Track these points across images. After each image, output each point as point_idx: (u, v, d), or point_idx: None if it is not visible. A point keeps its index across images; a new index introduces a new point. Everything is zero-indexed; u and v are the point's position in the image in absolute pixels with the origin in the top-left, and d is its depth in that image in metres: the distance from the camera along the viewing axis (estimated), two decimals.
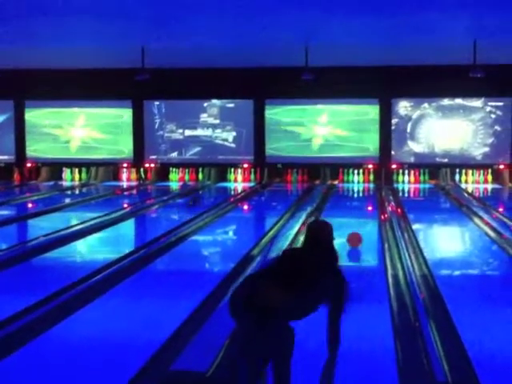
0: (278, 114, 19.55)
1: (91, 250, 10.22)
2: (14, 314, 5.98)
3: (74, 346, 5.19)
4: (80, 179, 20.44)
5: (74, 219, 12.77)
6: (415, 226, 11.56)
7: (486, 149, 18.90)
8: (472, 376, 4.56)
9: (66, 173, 20.65)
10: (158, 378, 4.41)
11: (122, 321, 5.91)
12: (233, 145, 19.82)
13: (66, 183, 20.05)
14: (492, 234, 10.59)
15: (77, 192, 18.28)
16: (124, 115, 20.04)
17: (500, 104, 18.72)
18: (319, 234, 4.65)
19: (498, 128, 18.75)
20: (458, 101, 18.90)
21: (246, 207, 15.52)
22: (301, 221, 11.67)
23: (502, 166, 18.86)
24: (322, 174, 19.65)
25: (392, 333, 5.53)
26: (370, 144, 19.24)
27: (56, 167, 20.59)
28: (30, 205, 15.78)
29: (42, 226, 12.10)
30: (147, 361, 4.75)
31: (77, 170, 20.58)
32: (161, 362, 4.75)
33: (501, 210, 13.97)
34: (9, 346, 5.14)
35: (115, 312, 6.25)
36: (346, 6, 11.53)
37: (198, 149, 19.93)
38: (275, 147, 19.61)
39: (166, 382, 4.34)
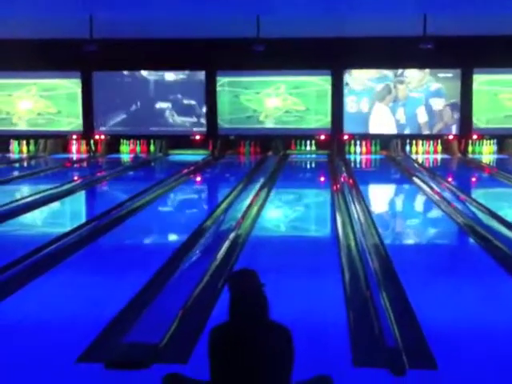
0: (230, 85, 19.41)
1: (39, 223, 10.03)
2: None
3: (19, 323, 5.07)
4: (28, 151, 20.02)
5: (22, 192, 12.51)
6: (367, 197, 11.66)
7: (436, 120, 19.14)
8: (422, 343, 4.62)
9: (14, 145, 20.19)
10: (109, 352, 4.35)
11: (71, 296, 5.80)
12: (185, 116, 19.64)
13: (13, 155, 19.62)
14: (441, 203, 10.75)
15: (25, 164, 17.90)
16: (72, 86, 19.65)
17: (449, 75, 18.94)
18: (247, 299, 3.35)
19: (446, 99, 18.98)
20: (409, 72, 19.05)
21: (198, 179, 15.43)
22: (253, 192, 11.65)
23: (451, 137, 19.15)
24: (274, 145, 19.63)
25: (344, 303, 5.56)
26: (322, 115, 19.29)
27: (2, 139, 20.09)
28: None
29: None
30: (97, 336, 4.67)
31: (24, 142, 20.14)
32: (111, 337, 4.68)
33: (450, 179, 14.19)
34: None
35: (63, 287, 6.14)
36: None
37: (149, 120, 19.68)
38: (227, 119, 19.50)
39: (117, 355, 4.27)
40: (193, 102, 19.58)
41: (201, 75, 19.41)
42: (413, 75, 19.12)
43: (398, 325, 4.92)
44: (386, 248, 7.56)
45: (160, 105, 19.68)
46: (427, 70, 18.97)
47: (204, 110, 19.55)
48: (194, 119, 19.61)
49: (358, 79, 19.27)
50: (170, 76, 19.60)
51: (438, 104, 19.07)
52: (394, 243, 8.19)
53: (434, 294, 5.89)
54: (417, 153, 19.32)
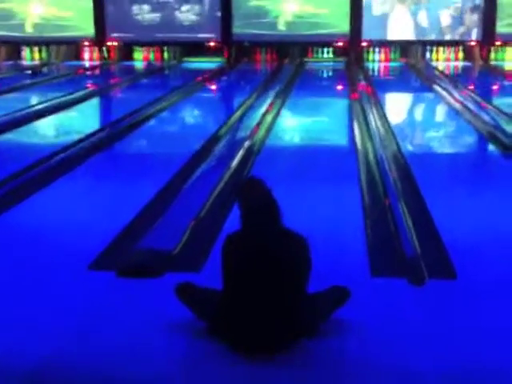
0: None
1: (52, 130, 9.89)
2: None
3: (31, 229, 5.00)
4: (40, 58, 19.66)
5: (35, 99, 12.31)
6: (385, 105, 11.38)
7: (458, 25, 18.49)
8: (441, 252, 4.50)
9: (26, 52, 19.82)
10: (122, 260, 4.25)
11: (84, 202, 5.70)
12: (199, 22, 19.10)
13: (25, 62, 19.30)
14: (463, 111, 10.45)
15: (37, 72, 17.57)
16: None
17: None
18: (259, 207, 3.22)
19: (468, 4, 18.27)
20: None
21: (213, 87, 15.11)
22: (269, 101, 11.39)
23: (473, 43, 18.54)
24: (291, 52, 19.13)
25: (362, 212, 5.43)
26: (341, 21, 18.67)
27: (14, 46, 19.72)
28: None
29: (1, 106, 11.68)
30: (109, 244, 4.58)
31: (36, 48, 19.76)
32: (124, 245, 4.59)
33: (471, 87, 13.80)
34: None
35: (76, 194, 6.04)
36: None
37: (163, 26, 19.16)
38: (242, 25, 18.94)
39: (129, 263, 4.19)
40: (207, 7, 19.00)
41: None
42: None
43: (417, 234, 4.79)
44: (406, 157, 7.37)
45: (174, 10, 19.11)
46: None
47: (219, 14, 18.97)
48: (209, 25, 19.07)
49: None
50: None
51: (460, 7, 18.36)
52: (414, 152, 7.98)
53: (455, 203, 5.72)
54: (437, 60, 18.76)
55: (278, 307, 3.12)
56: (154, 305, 3.61)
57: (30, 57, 19.76)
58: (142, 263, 4.17)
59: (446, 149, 8.54)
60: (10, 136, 8.93)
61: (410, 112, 11.81)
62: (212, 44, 19.10)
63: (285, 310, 3.13)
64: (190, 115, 11.24)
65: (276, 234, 3.21)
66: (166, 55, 19.55)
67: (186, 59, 19.23)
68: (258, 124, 9.31)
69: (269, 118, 9.85)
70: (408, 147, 8.13)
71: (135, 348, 3.18)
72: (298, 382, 2.94)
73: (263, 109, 10.54)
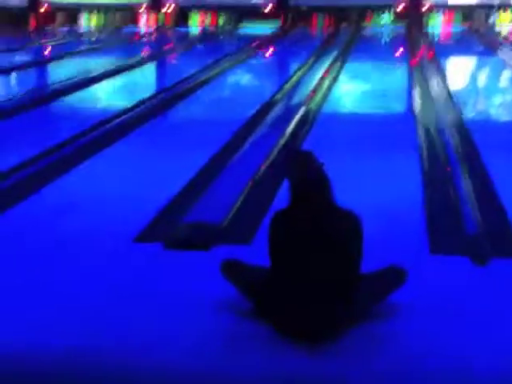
0: None
1: (106, 96, 9.83)
2: (30, 158, 5.78)
3: (77, 199, 4.89)
4: (97, 24, 19.66)
5: (90, 65, 12.26)
6: (447, 71, 10.94)
7: None
8: (507, 228, 4.21)
9: (83, 17, 19.83)
10: (169, 233, 4.11)
11: (134, 172, 5.57)
12: None
13: (82, 28, 19.32)
14: None
15: (93, 38, 17.58)
16: None
17: None
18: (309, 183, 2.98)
19: None
20: None
21: (268, 52, 14.83)
22: (325, 66, 11.07)
23: None
24: (348, 16, 18.63)
25: (421, 184, 5.15)
26: None
27: (72, 11, 19.75)
28: (45, 51, 15.22)
29: (57, 72, 11.70)
30: (156, 215, 4.43)
31: (94, 14, 19.75)
32: (171, 217, 4.44)
33: None
34: (13, 196, 4.87)
35: (126, 162, 5.91)
36: None
37: None
38: None
39: (176, 235, 4.03)
40: None
41: None
42: None
43: (481, 209, 4.50)
44: (468, 125, 7.02)
45: None
46: None
47: None
48: None
49: None
50: None
51: None
52: (477, 121, 7.61)
53: None
54: (501, 24, 18.00)
55: (329, 288, 2.92)
56: (200, 281, 3.44)
57: (87, 23, 19.78)
58: (190, 235, 4.01)
59: (510, 118, 8.13)
60: (67, 101, 8.91)
61: (473, 78, 11.33)
62: (268, 9, 18.73)
63: (336, 291, 2.92)
64: (244, 81, 11.03)
65: (327, 210, 2.99)
66: (220, 20, 19.30)
67: (241, 24, 18.94)
68: (314, 90, 9.04)
69: (325, 84, 9.57)
70: (471, 115, 7.77)
71: (178, 325, 3.03)
72: (344, 372, 2.74)
73: (319, 74, 10.25)
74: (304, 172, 3.05)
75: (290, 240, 2.97)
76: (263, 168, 5.52)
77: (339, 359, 2.80)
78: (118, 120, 7.51)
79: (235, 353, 2.85)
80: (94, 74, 10.74)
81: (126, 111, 7.95)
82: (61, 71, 11.59)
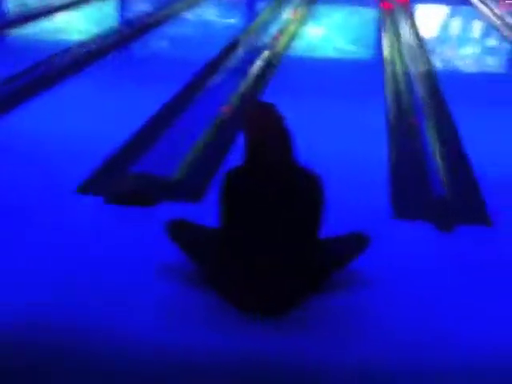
0: None
1: (64, 28, 9.30)
2: None
3: (34, 132, 4.56)
4: None
5: None
6: (418, 16, 10.62)
7: None
8: (475, 192, 3.99)
9: None
10: (114, 184, 3.79)
11: (87, 109, 5.20)
12: None
13: None
14: (501, 27, 9.69)
15: None
16: None
17: None
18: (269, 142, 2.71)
19: None
20: None
21: None
22: (293, 7, 10.66)
23: None
24: None
25: (386, 136, 4.91)
26: None
27: None
28: None
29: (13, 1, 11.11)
30: (104, 162, 4.11)
31: None
32: (118, 166, 4.11)
33: None
34: None
35: (81, 99, 5.53)
36: None
37: None
38: None
39: (121, 187, 3.72)
40: None
41: None
42: None
43: (448, 169, 4.27)
44: (436, 75, 6.77)
45: None
46: None
47: None
48: None
49: None
50: None
51: None
52: (446, 70, 7.36)
53: (487, 129, 5.16)
54: None
55: (286, 252, 2.67)
56: (142, 242, 3.14)
57: None
58: (135, 189, 3.68)
59: (481, 67, 7.91)
60: (23, 31, 8.46)
61: (445, 26, 11.02)
62: None
63: (294, 255, 2.68)
64: (209, 20, 10.56)
65: (286, 169, 2.72)
66: None
67: None
68: (280, 32, 8.67)
69: (292, 26, 9.19)
70: (440, 64, 7.51)
71: (117, 290, 2.77)
72: (303, 346, 2.52)
73: (286, 16, 9.86)
74: (263, 126, 2.76)
75: (245, 200, 2.70)
76: (222, 116, 5.21)
77: (298, 332, 2.58)
78: (75, 52, 7.09)
79: (180, 324, 2.60)
80: (52, 4, 10.16)
81: (83, 44, 7.51)
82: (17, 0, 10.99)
